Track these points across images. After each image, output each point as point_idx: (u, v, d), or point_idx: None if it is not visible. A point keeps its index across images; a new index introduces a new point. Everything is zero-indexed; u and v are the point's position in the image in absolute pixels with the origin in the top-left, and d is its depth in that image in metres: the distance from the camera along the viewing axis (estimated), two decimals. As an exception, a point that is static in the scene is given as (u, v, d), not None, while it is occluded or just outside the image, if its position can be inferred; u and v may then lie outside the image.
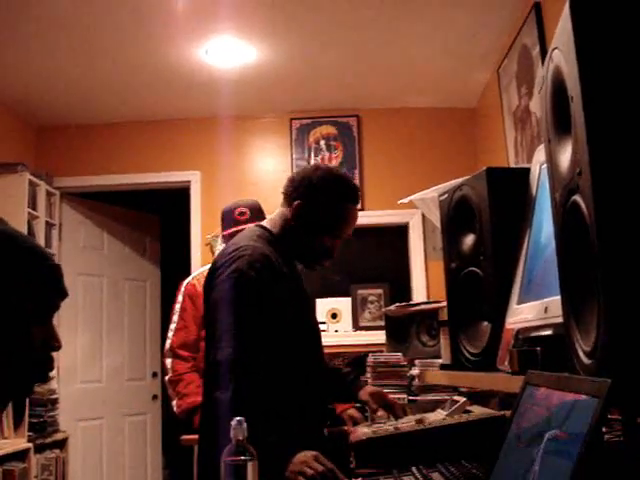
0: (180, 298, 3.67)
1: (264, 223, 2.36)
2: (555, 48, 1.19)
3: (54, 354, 1.29)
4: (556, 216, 1.25)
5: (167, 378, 3.61)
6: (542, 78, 1.29)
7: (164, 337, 6.33)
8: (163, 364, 3.73)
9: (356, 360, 3.77)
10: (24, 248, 1.22)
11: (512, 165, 4.20)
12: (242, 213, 3.49)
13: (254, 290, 2.06)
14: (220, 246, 3.64)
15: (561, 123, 1.18)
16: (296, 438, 1.98)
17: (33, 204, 5.11)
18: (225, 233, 3.52)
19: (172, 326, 3.67)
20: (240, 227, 3.27)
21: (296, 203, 2.23)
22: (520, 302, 1.73)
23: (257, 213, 3.47)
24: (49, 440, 5.00)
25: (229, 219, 3.52)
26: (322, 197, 2.22)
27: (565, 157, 1.16)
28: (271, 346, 2.05)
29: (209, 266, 2.30)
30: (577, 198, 1.10)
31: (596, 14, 1.07)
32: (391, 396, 2.60)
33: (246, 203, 3.58)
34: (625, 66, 1.03)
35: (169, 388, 3.59)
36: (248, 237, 2.24)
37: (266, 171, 5.66)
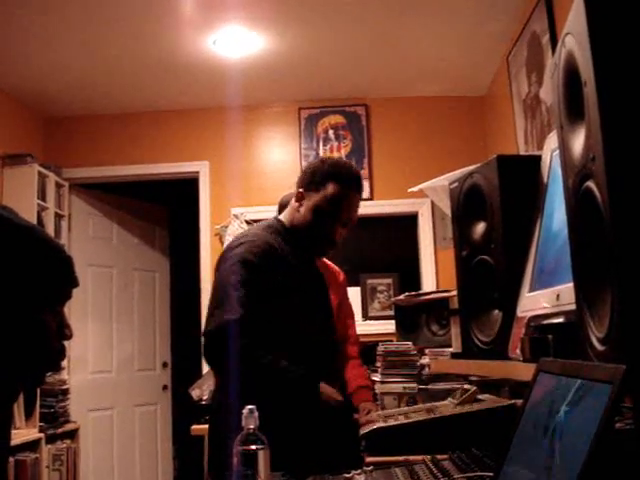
0: None
1: (280, 216, 2.53)
2: (568, 33, 1.18)
3: (65, 344, 1.30)
4: (569, 202, 1.24)
5: None
6: (554, 64, 1.28)
7: (174, 327, 6.40)
8: None
9: (365, 350, 3.76)
10: (35, 239, 1.23)
11: (522, 153, 4.18)
12: None
13: (251, 273, 2.23)
14: None
15: (574, 109, 1.17)
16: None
17: (42, 195, 5.13)
18: None
19: None
20: None
21: (299, 191, 2.44)
22: (531, 290, 1.72)
23: None
24: (60, 430, 5.03)
25: None
26: (321, 183, 2.40)
27: (578, 143, 1.15)
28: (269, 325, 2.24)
29: None
30: (590, 184, 1.09)
31: (609, -1, 1.06)
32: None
33: None
34: (638, 50, 1.02)
35: None
36: (258, 228, 2.49)
37: (275, 161, 5.66)
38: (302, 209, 2.43)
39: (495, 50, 4.66)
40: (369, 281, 5.48)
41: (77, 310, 5.43)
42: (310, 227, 2.42)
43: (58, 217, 5.43)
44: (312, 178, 2.43)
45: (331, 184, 2.39)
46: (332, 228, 2.43)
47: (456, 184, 2.20)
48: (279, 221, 2.50)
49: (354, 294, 5.32)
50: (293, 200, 2.48)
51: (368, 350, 3.64)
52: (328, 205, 2.39)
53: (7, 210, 1.24)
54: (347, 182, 2.42)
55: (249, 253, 2.27)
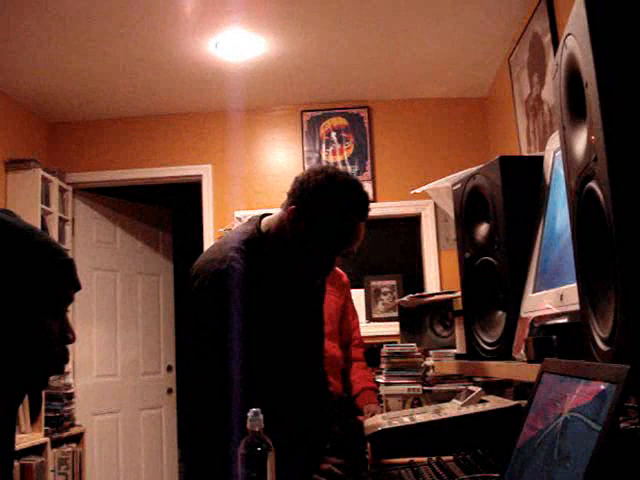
0: None
1: (263, 222, 2.10)
2: (569, 34, 1.18)
3: (70, 348, 1.30)
4: (571, 203, 1.24)
5: None
6: (556, 65, 1.28)
7: (178, 331, 6.40)
8: None
9: (369, 352, 3.77)
10: (37, 243, 1.23)
11: (524, 154, 4.18)
12: None
13: (218, 309, 1.88)
14: None
15: (576, 109, 1.17)
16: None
17: (46, 200, 5.14)
18: None
19: None
20: None
21: (291, 208, 1.98)
22: (535, 290, 1.72)
23: None
24: (66, 434, 5.03)
25: None
26: (319, 205, 1.95)
27: (580, 143, 1.16)
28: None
29: None
30: (593, 184, 1.09)
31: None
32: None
33: None
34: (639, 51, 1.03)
35: None
36: (232, 244, 2.01)
37: (277, 164, 5.66)
38: (295, 232, 1.98)
39: (496, 51, 4.66)
40: (373, 283, 5.48)
41: (82, 314, 5.44)
42: (305, 257, 2.00)
43: (62, 221, 5.43)
44: (314, 197, 1.96)
45: (339, 211, 1.94)
46: (333, 261, 2.03)
47: (459, 185, 2.20)
48: (259, 231, 2.06)
49: (358, 296, 5.32)
50: (282, 212, 2.03)
51: (372, 352, 3.64)
52: (333, 237, 1.96)
53: (9, 214, 1.24)
54: (359, 211, 1.98)
55: (216, 287, 1.90)
